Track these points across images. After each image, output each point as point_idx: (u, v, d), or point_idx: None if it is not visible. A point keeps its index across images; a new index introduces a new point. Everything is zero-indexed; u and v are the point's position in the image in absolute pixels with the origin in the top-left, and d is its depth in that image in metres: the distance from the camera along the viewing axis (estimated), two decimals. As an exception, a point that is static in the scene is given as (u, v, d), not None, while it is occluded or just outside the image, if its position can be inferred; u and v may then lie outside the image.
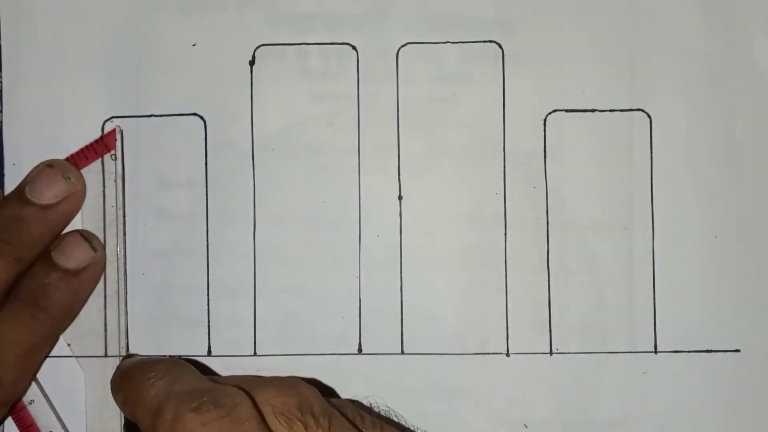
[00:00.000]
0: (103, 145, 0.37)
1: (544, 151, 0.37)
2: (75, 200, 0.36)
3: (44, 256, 0.35)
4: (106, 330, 0.37)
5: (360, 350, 0.37)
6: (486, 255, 0.37)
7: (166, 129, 0.37)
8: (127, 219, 0.37)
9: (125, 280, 0.37)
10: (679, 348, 0.37)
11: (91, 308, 0.37)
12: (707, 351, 0.37)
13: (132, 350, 0.37)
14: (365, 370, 0.37)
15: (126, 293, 0.37)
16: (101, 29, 0.37)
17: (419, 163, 0.37)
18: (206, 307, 0.37)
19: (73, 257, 0.35)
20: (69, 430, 0.37)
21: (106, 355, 0.37)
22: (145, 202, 0.37)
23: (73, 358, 0.37)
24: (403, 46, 0.37)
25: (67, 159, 0.37)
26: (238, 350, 0.37)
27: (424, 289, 0.37)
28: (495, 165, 0.37)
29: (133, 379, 0.31)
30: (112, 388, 0.33)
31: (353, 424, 0.30)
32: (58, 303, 0.35)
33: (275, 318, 0.37)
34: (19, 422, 0.36)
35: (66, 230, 0.36)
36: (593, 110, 0.37)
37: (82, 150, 0.37)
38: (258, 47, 0.37)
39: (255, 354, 0.37)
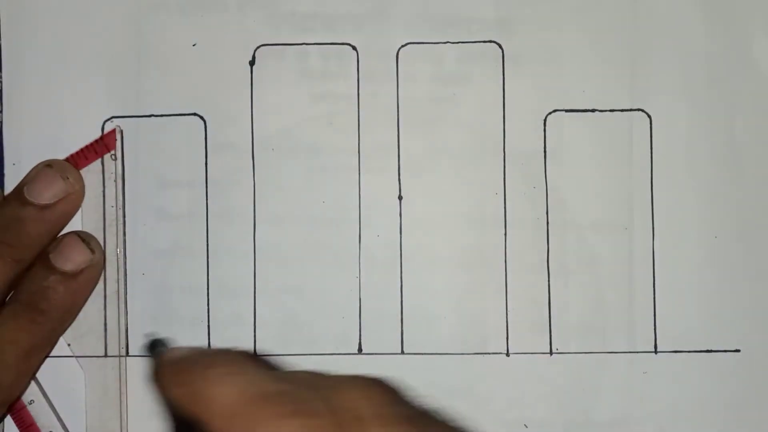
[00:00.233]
0: (103, 145, 0.37)
1: (544, 151, 0.37)
2: (74, 200, 0.36)
3: (42, 259, 0.35)
4: (106, 330, 0.37)
5: (360, 350, 0.37)
6: (486, 255, 0.37)
7: (166, 129, 0.37)
8: (127, 219, 0.37)
9: (125, 280, 0.37)
10: (679, 348, 0.37)
11: (91, 308, 0.37)
12: (707, 351, 0.37)
13: (132, 351, 0.37)
14: (365, 370, 0.36)
15: (126, 293, 0.37)
16: (101, 29, 0.37)
17: (419, 163, 0.37)
18: (206, 307, 0.37)
19: (71, 259, 0.35)
20: (69, 430, 0.37)
21: (106, 355, 0.37)
22: (145, 202, 0.37)
23: (73, 358, 0.37)
24: (403, 46, 0.37)
25: (67, 159, 0.37)
26: (238, 350, 0.37)
27: (424, 289, 0.37)
28: (495, 165, 0.37)
29: (194, 373, 0.28)
30: (162, 384, 0.29)
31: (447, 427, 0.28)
32: (57, 306, 0.35)
33: (275, 318, 0.37)
34: (18, 422, 0.36)
35: (65, 231, 0.36)
36: (593, 110, 0.37)
37: (81, 150, 0.37)
38: (258, 47, 0.37)
39: (255, 354, 0.37)
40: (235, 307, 0.37)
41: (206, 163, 0.37)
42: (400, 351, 0.37)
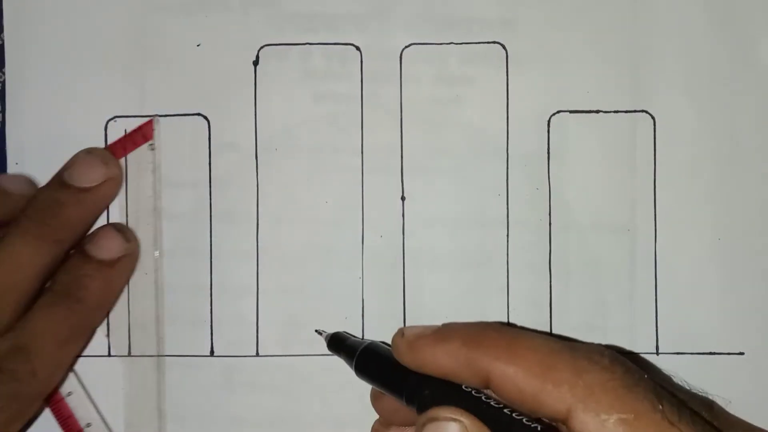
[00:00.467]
0: (141, 135, 0.37)
1: (548, 152, 0.37)
2: (112, 185, 0.36)
3: (79, 249, 0.35)
4: (143, 323, 0.37)
5: (362, 350, 0.37)
6: (488, 255, 0.37)
7: (169, 129, 0.37)
8: (129, 219, 0.37)
9: (162, 271, 0.37)
10: (681, 350, 0.36)
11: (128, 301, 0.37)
12: (710, 353, 0.36)
13: (134, 351, 0.37)
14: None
15: (164, 284, 0.37)
16: (105, 29, 0.38)
17: (422, 163, 0.37)
18: (209, 307, 0.37)
19: (107, 248, 0.35)
20: (107, 422, 0.37)
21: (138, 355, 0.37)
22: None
23: (110, 347, 0.37)
24: (406, 46, 0.37)
25: (106, 148, 0.37)
26: (241, 350, 0.37)
27: (427, 289, 0.37)
28: (498, 166, 0.37)
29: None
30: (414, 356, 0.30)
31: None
32: (93, 294, 0.35)
33: (278, 318, 0.37)
34: (57, 414, 0.37)
35: (102, 224, 0.37)
36: (597, 111, 0.37)
37: (120, 140, 0.37)
38: (262, 47, 0.37)
39: (257, 354, 0.37)
40: (238, 307, 0.37)
41: (210, 163, 0.37)
42: (402, 351, 0.37)
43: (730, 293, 0.36)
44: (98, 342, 0.37)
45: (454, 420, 0.27)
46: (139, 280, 0.37)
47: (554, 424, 0.27)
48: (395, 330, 0.31)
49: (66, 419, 0.37)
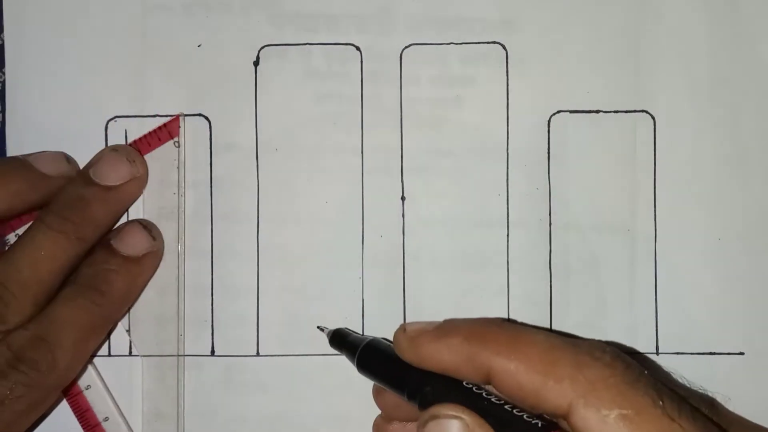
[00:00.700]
0: (166, 132, 0.37)
1: (548, 153, 0.37)
2: (138, 184, 0.37)
3: (104, 243, 0.36)
4: (163, 319, 0.37)
5: (363, 350, 0.37)
6: (488, 256, 0.37)
7: (170, 129, 0.38)
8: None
9: (184, 269, 0.37)
10: (681, 350, 0.36)
11: (149, 297, 0.37)
12: (710, 353, 0.36)
13: (134, 351, 0.37)
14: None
15: (185, 281, 0.37)
16: (106, 29, 0.38)
17: (422, 163, 0.37)
18: (210, 307, 0.37)
19: (133, 245, 0.36)
20: (125, 416, 0.37)
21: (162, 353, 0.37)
22: (147, 202, 0.37)
23: (131, 343, 0.37)
24: (406, 47, 0.37)
25: (131, 145, 0.37)
26: (242, 350, 0.37)
27: (427, 289, 0.37)
28: (498, 166, 0.37)
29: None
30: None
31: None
32: (117, 288, 0.35)
33: (278, 318, 0.37)
34: (75, 407, 0.37)
35: (129, 220, 0.37)
36: (597, 111, 0.37)
37: (145, 136, 0.37)
38: (262, 48, 0.37)
39: (258, 354, 0.37)
40: (239, 307, 0.37)
41: (210, 163, 0.37)
42: (402, 351, 0.37)
43: (730, 293, 0.36)
44: (119, 338, 0.37)
45: (456, 417, 0.27)
46: (162, 278, 0.37)
47: (555, 420, 0.27)
48: (395, 329, 0.31)
49: (84, 412, 0.37)
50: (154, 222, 0.37)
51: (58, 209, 0.35)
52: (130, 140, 0.37)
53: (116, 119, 0.37)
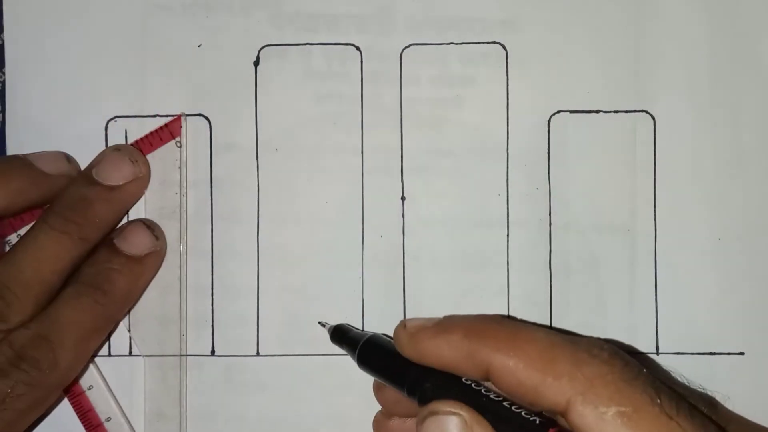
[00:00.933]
0: (168, 132, 0.37)
1: (548, 152, 0.37)
2: (140, 183, 0.37)
3: (106, 243, 0.36)
4: (164, 319, 0.37)
5: (363, 350, 0.37)
6: (488, 256, 0.37)
7: (170, 129, 0.38)
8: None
9: (186, 267, 0.37)
10: (681, 350, 0.36)
11: (151, 296, 0.37)
12: (711, 353, 0.36)
13: (134, 351, 0.37)
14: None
15: (187, 281, 0.37)
16: (106, 29, 0.38)
17: (422, 163, 0.37)
18: (210, 307, 0.37)
19: (136, 244, 0.36)
20: (127, 417, 0.37)
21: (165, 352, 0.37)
22: (149, 202, 0.37)
23: (132, 343, 0.37)
24: (406, 47, 0.37)
25: (132, 145, 0.37)
26: (242, 350, 0.37)
27: (427, 289, 0.37)
28: (498, 166, 0.37)
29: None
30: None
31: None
32: (119, 288, 0.35)
33: (278, 318, 0.37)
34: (77, 408, 0.37)
35: (132, 219, 0.37)
36: (597, 111, 0.37)
37: (146, 136, 0.37)
38: (262, 48, 0.37)
39: (258, 354, 0.37)
40: (239, 307, 0.37)
41: (210, 163, 0.37)
42: (402, 351, 0.37)
43: (730, 293, 0.36)
44: (119, 338, 0.37)
45: (454, 414, 0.27)
46: (164, 277, 0.37)
47: (553, 417, 0.27)
48: (395, 326, 0.31)
49: (86, 413, 0.37)
50: (156, 222, 0.37)
51: (60, 209, 0.35)
52: (130, 140, 0.37)
53: (116, 119, 0.38)
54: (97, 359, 0.37)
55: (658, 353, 0.36)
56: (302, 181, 0.37)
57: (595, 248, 0.37)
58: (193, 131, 0.37)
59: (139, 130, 0.37)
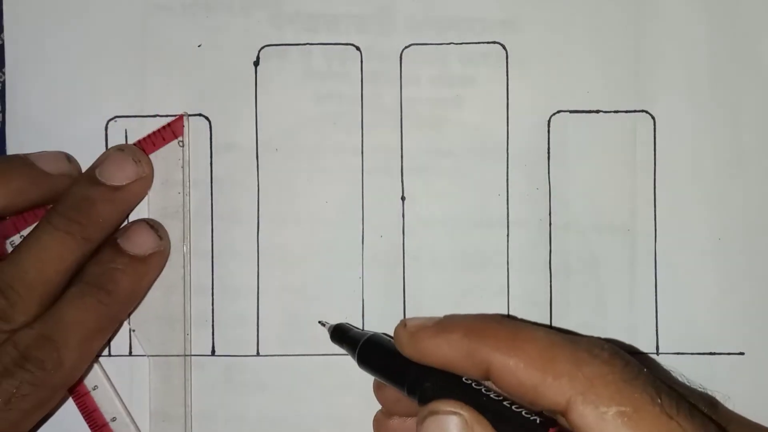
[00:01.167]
0: (170, 132, 0.37)
1: (548, 152, 0.37)
2: (144, 184, 0.37)
3: (110, 243, 0.36)
4: (169, 318, 0.37)
5: (363, 350, 0.37)
6: (488, 256, 0.37)
7: (170, 129, 0.38)
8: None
9: (190, 266, 0.37)
10: (681, 350, 0.36)
11: (156, 295, 0.37)
12: (711, 353, 0.36)
13: (135, 351, 0.37)
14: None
15: (191, 280, 0.37)
16: (106, 29, 0.38)
17: (422, 163, 0.37)
18: (210, 307, 0.37)
19: (139, 244, 0.36)
20: (132, 417, 0.37)
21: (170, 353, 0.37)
22: (152, 201, 0.37)
23: (137, 344, 0.37)
24: (406, 47, 0.37)
25: (135, 144, 0.37)
26: (242, 350, 0.37)
27: (427, 289, 0.37)
28: (498, 166, 0.37)
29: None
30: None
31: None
32: (123, 287, 0.35)
33: (278, 318, 0.37)
34: (82, 408, 0.37)
35: (131, 219, 0.37)
36: (597, 111, 0.37)
37: (149, 136, 0.37)
38: (262, 48, 0.37)
39: (258, 354, 0.37)
40: (239, 307, 0.37)
41: (210, 163, 0.37)
42: (402, 351, 0.37)
43: (730, 293, 0.36)
44: (119, 338, 0.37)
45: (455, 413, 0.27)
46: (167, 277, 0.37)
47: (554, 416, 0.27)
48: (396, 325, 0.31)
49: (91, 413, 0.37)
50: (159, 221, 0.37)
51: (64, 210, 0.35)
52: (130, 140, 0.37)
53: (116, 119, 0.38)
54: (102, 360, 0.37)
55: (658, 353, 0.36)
56: (302, 181, 0.37)
57: (595, 248, 0.37)
58: (193, 131, 0.37)
59: (139, 130, 0.37)
